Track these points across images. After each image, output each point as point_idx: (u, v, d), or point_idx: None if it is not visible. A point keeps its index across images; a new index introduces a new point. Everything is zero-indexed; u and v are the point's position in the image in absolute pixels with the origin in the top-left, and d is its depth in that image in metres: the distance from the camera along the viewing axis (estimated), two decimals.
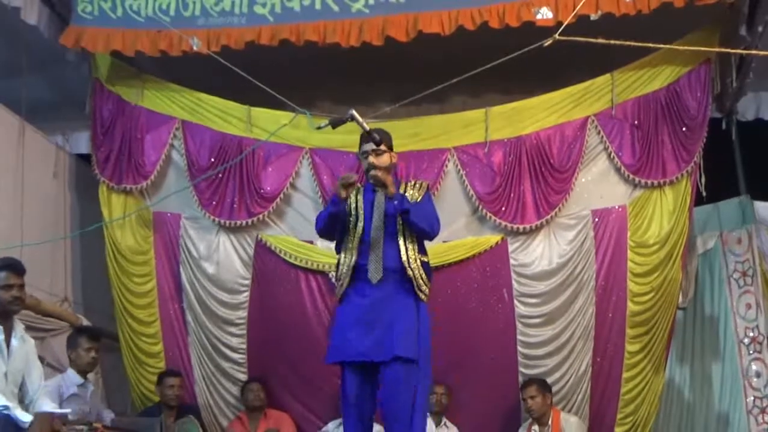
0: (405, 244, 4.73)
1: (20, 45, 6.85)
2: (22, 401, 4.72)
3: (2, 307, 4.66)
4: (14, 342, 4.68)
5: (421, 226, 4.69)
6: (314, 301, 6.84)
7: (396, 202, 4.67)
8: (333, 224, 4.80)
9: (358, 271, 4.72)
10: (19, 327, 4.79)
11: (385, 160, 4.81)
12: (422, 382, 4.65)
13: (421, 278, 4.71)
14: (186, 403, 6.78)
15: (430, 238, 4.86)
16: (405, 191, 4.84)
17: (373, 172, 4.73)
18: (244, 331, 6.89)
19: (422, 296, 4.73)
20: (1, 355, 4.58)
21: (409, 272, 4.68)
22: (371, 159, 4.77)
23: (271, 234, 6.91)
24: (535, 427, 6.41)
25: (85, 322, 6.87)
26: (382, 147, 4.80)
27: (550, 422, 6.36)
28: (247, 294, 6.91)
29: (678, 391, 7.41)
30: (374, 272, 4.67)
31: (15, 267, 4.79)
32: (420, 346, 4.62)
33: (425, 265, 4.78)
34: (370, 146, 4.76)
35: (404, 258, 4.70)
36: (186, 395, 6.86)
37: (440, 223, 4.86)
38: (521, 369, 6.64)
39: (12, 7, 6.42)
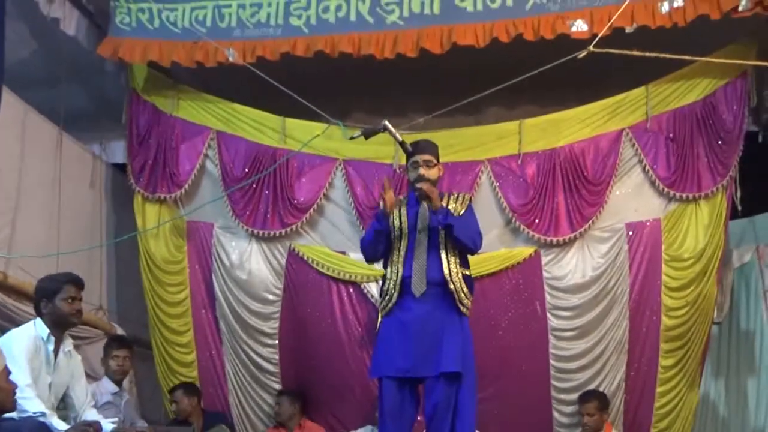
0: (447, 257, 4.74)
1: (59, 55, 6.94)
2: (65, 414, 4.76)
3: (63, 319, 4.69)
4: (60, 356, 4.71)
5: (463, 241, 4.70)
6: (345, 311, 6.81)
7: (440, 217, 4.68)
8: (379, 242, 4.83)
9: (403, 284, 4.74)
10: (68, 342, 4.83)
11: (435, 172, 4.83)
12: (469, 395, 4.65)
13: (463, 292, 4.73)
14: (211, 411, 6.80)
15: (473, 253, 4.88)
16: (447, 204, 4.85)
17: (419, 185, 4.73)
18: (276, 341, 6.89)
19: (464, 309, 4.76)
20: (48, 366, 4.61)
21: (451, 286, 4.69)
22: (422, 170, 4.79)
23: (304, 244, 6.92)
24: None
25: (119, 331, 6.94)
26: (433, 159, 4.82)
27: None
28: (279, 304, 6.90)
29: (713, 406, 7.32)
30: (417, 285, 4.69)
31: (78, 281, 4.81)
32: (465, 359, 4.64)
33: (467, 279, 4.80)
34: (422, 157, 4.79)
35: (446, 271, 4.72)
36: (218, 404, 6.93)
37: (482, 238, 4.87)
38: (553, 382, 6.61)
39: (51, 18, 6.50)
